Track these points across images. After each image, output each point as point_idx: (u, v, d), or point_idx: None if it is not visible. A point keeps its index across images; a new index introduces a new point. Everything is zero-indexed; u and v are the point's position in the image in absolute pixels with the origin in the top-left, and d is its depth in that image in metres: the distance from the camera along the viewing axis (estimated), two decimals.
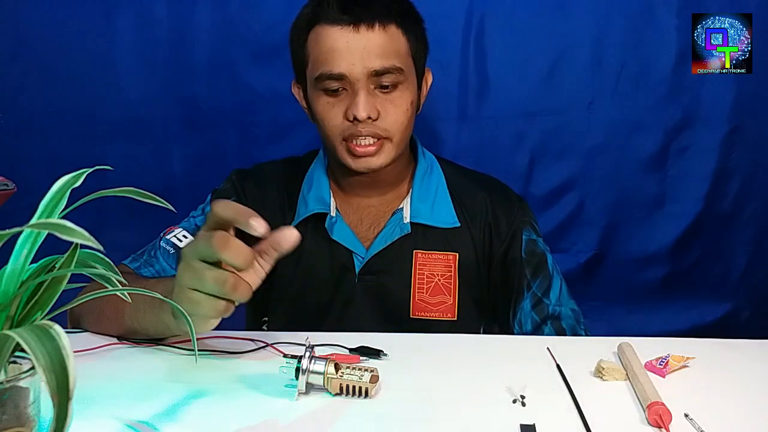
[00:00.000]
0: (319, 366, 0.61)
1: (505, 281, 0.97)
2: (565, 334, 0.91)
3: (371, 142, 0.88)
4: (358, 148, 0.88)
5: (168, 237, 0.93)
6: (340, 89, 0.87)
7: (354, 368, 0.62)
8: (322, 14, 0.86)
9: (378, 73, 0.85)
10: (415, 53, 0.91)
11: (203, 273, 0.59)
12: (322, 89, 0.88)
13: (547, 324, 0.92)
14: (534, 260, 0.96)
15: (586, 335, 0.92)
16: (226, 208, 0.58)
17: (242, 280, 0.60)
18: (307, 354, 0.61)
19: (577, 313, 0.95)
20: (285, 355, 0.62)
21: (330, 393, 0.62)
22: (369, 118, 0.86)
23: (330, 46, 0.85)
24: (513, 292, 0.96)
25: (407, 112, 0.90)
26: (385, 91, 0.88)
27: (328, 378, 0.61)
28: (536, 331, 0.93)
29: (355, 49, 0.84)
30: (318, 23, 0.87)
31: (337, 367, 0.61)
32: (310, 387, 0.62)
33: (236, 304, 0.62)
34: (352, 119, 0.86)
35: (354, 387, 0.61)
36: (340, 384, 0.61)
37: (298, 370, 0.60)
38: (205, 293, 0.60)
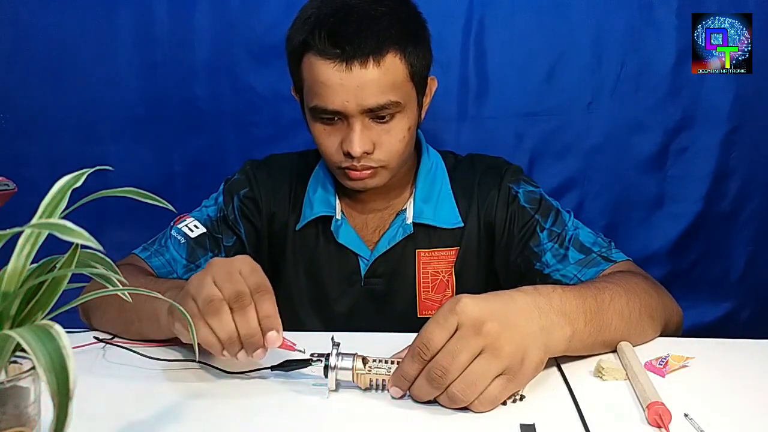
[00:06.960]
0: (346, 362, 0.61)
1: (519, 238, 0.93)
2: (591, 254, 0.88)
3: (366, 168, 0.87)
4: (352, 173, 0.88)
5: (179, 226, 0.93)
6: (335, 119, 0.85)
7: (382, 361, 0.61)
8: (312, 44, 0.82)
9: (373, 110, 0.83)
10: (416, 73, 0.86)
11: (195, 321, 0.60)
12: (317, 118, 0.86)
13: (570, 249, 0.89)
14: (536, 204, 0.94)
15: (615, 253, 0.88)
16: (265, 302, 0.61)
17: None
18: (334, 351, 0.61)
19: (599, 234, 0.92)
20: (312, 355, 0.62)
21: (360, 388, 0.62)
22: (364, 152, 0.85)
23: (322, 81, 0.82)
24: (529, 239, 0.92)
25: (404, 140, 0.87)
26: (382, 121, 0.85)
27: (357, 373, 0.61)
28: (563, 261, 0.89)
29: (349, 87, 0.81)
30: (310, 51, 0.83)
31: (364, 362, 0.61)
32: (338, 384, 0.62)
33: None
34: (346, 152, 0.85)
35: (384, 381, 0.61)
36: (370, 379, 0.61)
37: (326, 368, 0.60)
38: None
